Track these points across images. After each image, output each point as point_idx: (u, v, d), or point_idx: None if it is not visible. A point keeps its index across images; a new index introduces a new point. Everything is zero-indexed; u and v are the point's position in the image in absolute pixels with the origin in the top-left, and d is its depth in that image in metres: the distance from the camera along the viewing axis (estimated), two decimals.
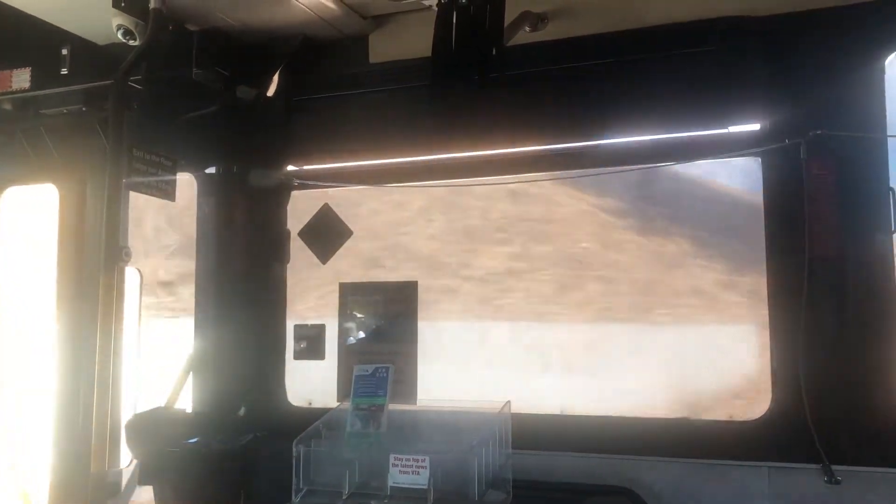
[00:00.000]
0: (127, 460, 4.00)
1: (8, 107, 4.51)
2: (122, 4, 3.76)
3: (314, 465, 3.36)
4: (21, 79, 4.32)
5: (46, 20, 4.05)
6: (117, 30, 3.86)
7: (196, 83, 4.12)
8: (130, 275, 4.27)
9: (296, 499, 3.32)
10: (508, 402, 3.45)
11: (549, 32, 3.87)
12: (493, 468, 3.28)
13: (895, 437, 3.32)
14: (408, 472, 3.16)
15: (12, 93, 4.36)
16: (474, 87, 3.14)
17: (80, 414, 4.42)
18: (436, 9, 3.24)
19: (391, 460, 3.19)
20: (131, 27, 3.84)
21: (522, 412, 3.62)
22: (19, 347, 5.11)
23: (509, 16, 3.69)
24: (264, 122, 4.47)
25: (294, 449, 3.33)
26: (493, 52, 3.11)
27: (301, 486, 3.34)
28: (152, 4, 3.70)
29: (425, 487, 3.11)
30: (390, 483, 3.17)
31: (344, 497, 3.25)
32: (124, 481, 3.93)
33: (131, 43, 3.90)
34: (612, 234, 4.98)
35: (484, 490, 3.16)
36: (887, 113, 3.43)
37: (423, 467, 3.14)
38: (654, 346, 4.54)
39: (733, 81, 3.66)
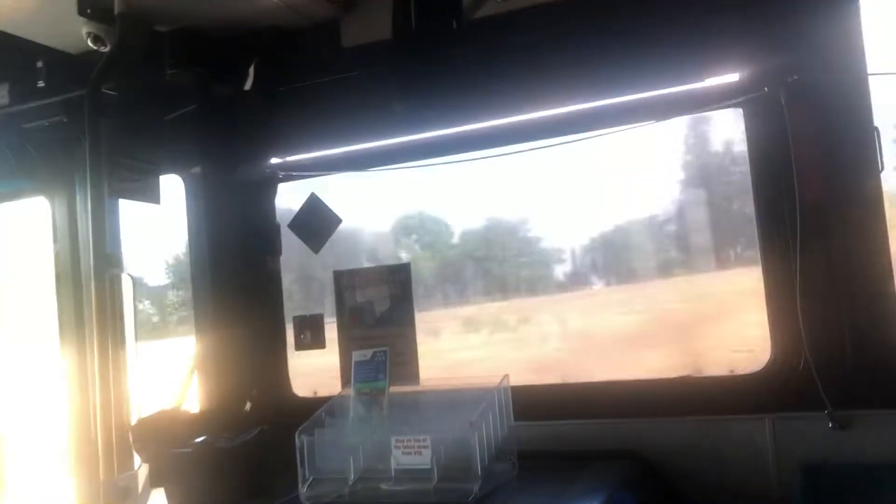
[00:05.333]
0: (138, 464, 4.04)
1: None
2: (88, 11, 3.73)
3: (319, 454, 3.40)
4: None
5: (18, 34, 4.03)
6: (87, 37, 3.85)
7: (172, 84, 4.11)
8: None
9: (303, 488, 3.35)
10: (507, 375, 3.46)
11: (516, 1, 3.82)
12: (496, 441, 3.30)
13: None
14: (410, 453, 3.19)
15: None
16: (438, 64, 3.10)
17: (92, 421, 4.49)
18: None
19: (393, 442, 3.22)
20: (100, 34, 3.82)
21: (522, 384, 3.63)
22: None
23: None
24: (244, 117, 4.45)
25: (297, 439, 3.37)
26: (454, 26, 3.07)
27: (307, 476, 3.37)
28: (117, 9, 3.67)
29: (429, 467, 3.13)
30: (394, 465, 3.20)
31: (350, 483, 3.28)
32: (140, 485, 3.96)
33: (103, 49, 3.89)
34: None
35: (487, 464, 3.18)
36: (866, 51, 3.37)
37: (425, 447, 3.17)
38: None
39: (709, 32, 3.60)
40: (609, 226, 4.64)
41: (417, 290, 4.23)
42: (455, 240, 5.18)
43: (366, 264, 4.63)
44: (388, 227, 5.17)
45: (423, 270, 5.16)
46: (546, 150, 3.93)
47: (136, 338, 4.26)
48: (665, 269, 4.60)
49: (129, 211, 4.06)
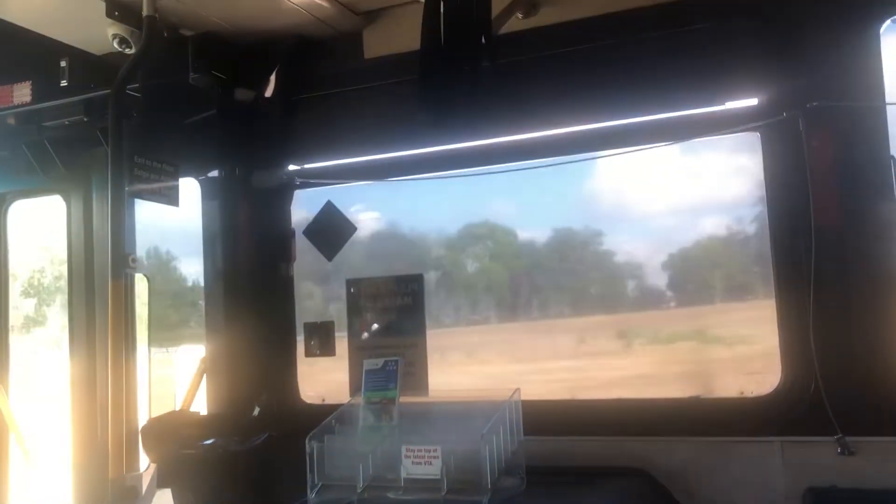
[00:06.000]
0: (146, 464, 4.05)
1: (11, 121, 4.57)
2: (116, 14, 3.79)
3: (328, 461, 3.39)
4: (22, 93, 4.38)
5: (43, 33, 4.07)
6: (113, 39, 3.90)
7: (194, 88, 4.16)
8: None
9: (311, 494, 3.35)
10: (518, 389, 3.47)
11: (541, 18, 3.86)
12: (506, 455, 3.30)
13: None
14: (420, 463, 3.19)
15: (14, 107, 4.41)
16: (465, 77, 3.14)
17: (99, 420, 4.50)
18: (422, 1, 3.24)
19: (403, 452, 3.22)
20: (127, 36, 3.87)
21: (533, 398, 3.64)
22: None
23: (501, 3, 3.71)
24: (264, 123, 4.49)
25: (307, 445, 3.37)
26: (483, 40, 3.11)
27: (316, 482, 3.37)
28: (145, 12, 3.72)
29: (438, 477, 3.13)
30: (404, 474, 3.20)
31: (359, 491, 3.28)
32: (144, 485, 3.97)
33: (128, 51, 3.93)
34: None
35: (497, 477, 3.18)
36: (885, 80, 3.40)
37: (435, 457, 3.17)
38: None
39: (728, 56, 3.64)
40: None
41: (488, 300, 4.17)
42: (526, 249, 4.90)
43: (431, 273, 4.61)
44: (455, 235, 4.97)
45: (494, 279, 5.00)
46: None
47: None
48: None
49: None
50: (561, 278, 4.77)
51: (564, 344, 4.68)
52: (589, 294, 4.84)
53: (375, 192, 4.66)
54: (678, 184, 4.21)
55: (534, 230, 4.72)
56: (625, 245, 4.49)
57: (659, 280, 4.40)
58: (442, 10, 3.13)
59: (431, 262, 4.86)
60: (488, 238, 4.95)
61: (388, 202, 4.81)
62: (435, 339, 4.26)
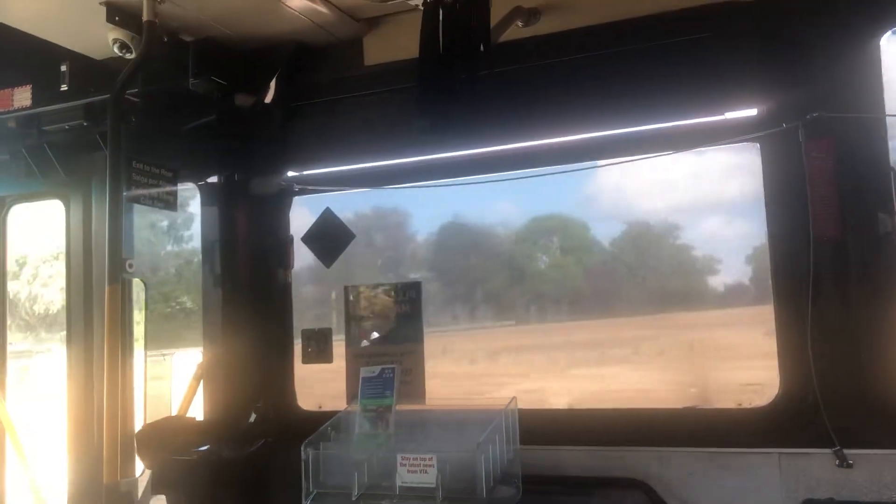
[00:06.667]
0: (141, 470, 4.03)
1: (11, 125, 4.57)
2: (117, 18, 3.79)
3: (323, 468, 3.39)
4: (22, 97, 4.39)
5: (44, 38, 4.07)
6: (113, 44, 3.91)
7: (193, 93, 4.15)
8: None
9: (306, 502, 3.34)
10: (514, 398, 3.46)
11: (542, 27, 3.87)
12: (502, 464, 3.30)
13: None
14: (416, 472, 3.18)
15: (15, 111, 4.42)
16: (463, 85, 3.14)
17: (94, 425, 4.49)
18: (422, 8, 3.24)
19: (399, 460, 3.21)
20: (127, 41, 3.88)
21: (529, 408, 3.62)
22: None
23: (501, 12, 3.71)
24: (263, 130, 4.49)
25: (303, 452, 3.36)
26: (481, 48, 3.11)
27: (311, 489, 3.37)
28: (145, 17, 3.72)
29: (433, 486, 3.13)
30: (399, 483, 3.20)
31: (354, 498, 3.27)
32: (140, 491, 3.95)
33: (128, 56, 3.94)
34: None
35: (492, 486, 3.17)
36: (885, 92, 3.39)
37: (430, 466, 3.16)
38: None
39: (728, 67, 3.64)
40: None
41: (560, 298, 4.08)
42: (602, 245, 4.67)
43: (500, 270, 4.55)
44: (523, 228, 4.78)
45: (567, 275, 4.81)
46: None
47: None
48: None
49: None
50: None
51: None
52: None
53: (373, 198, 4.65)
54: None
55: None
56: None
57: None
58: (441, 17, 3.13)
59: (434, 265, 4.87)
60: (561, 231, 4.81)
61: (383, 208, 4.81)
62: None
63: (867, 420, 3.34)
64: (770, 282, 3.59)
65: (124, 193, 3.85)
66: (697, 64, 3.68)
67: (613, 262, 4.60)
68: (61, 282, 5.07)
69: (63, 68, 4.28)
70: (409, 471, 3.19)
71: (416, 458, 3.19)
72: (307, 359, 4.41)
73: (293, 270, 4.53)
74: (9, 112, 4.44)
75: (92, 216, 4.70)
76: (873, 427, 3.33)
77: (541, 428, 3.66)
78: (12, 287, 5.30)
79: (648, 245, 4.41)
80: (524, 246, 4.81)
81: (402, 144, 4.15)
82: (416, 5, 3.39)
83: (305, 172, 4.51)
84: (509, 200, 4.55)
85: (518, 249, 4.81)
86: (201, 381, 4.49)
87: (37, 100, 4.36)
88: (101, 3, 3.74)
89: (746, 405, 3.62)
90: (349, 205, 4.51)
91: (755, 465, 3.48)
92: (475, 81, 3.14)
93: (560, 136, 3.93)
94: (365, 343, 4.32)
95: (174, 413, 4.38)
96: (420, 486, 3.16)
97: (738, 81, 3.63)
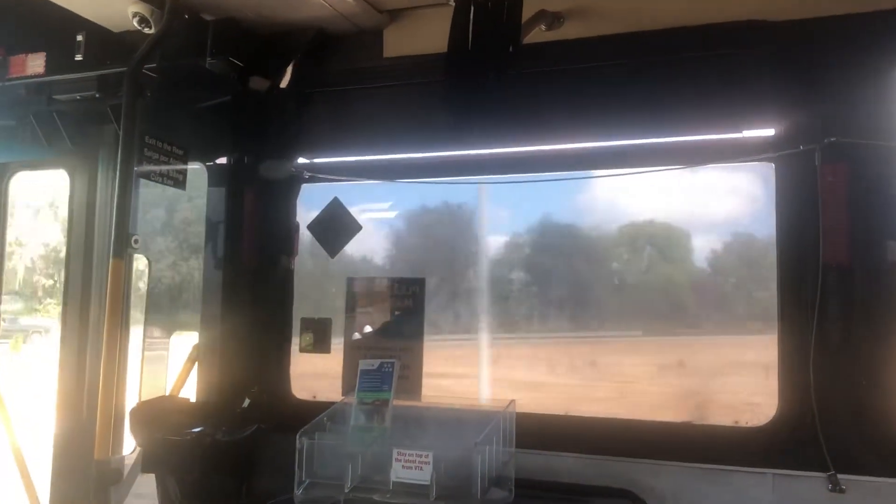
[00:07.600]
0: (130, 448, 4.00)
1: (22, 91, 4.53)
2: None
3: (317, 458, 3.38)
4: (35, 64, 4.34)
5: (62, 5, 4.03)
6: (133, 17, 3.88)
7: (209, 73, 4.12)
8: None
9: (298, 491, 3.33)
10: (513, 400, 3.45)
11: (564, 31, 3.86)
12: (496, 466, 3.29)
13: None
14: (410, 468, 3.17)
15: (27, 77, 4.37)
16: (490, 84, 3.13)
17: (85, 401, 4.45)
18: (452, 4, 3.23)
19: (394, 455, 3.20)
20: (147, 15, 3.86)
21: (526, 411, 3.62)
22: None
23: (526, 13, 3.70)
24: (276, 114, 4.46)
25: (297, 441, 3.34)
26: (510, 49, 3.10)
27: (304, 479, 3.35)
28: None
29: (427, 483, 3.12)
30: (393, 478, 3.18)
31: (346, 490, 3.26)
32: (127, 469, 3.92)
33: (146, 31, 3.91)
34: None
35: (486, 487, 3.16)
36: None
37: (426, 463, 3.15)
38: None
39: (748, 86, 3.65)
40: None
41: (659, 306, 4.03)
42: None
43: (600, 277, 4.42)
44: (616, 232, 4.50)
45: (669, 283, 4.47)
46: None
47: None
48: None
49: None
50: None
51: None
52: None
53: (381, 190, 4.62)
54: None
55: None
56: None
57: None
58: (472, 14, 3.12)
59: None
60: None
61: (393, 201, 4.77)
62: None
63: (863, 447, 3.35)
64: (776, 302, 3.59)
65: (135, 168, 3.81)
66: (718, 80, 3.69)
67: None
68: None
69: (79, 38, 4.24)
70: (403, 466, 3.18)
71: (412, 455, 3.18)
72: (305, 348, 4.38)
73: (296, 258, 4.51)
74: (20, 78, 4.39)
75: (97, 188, 4.66)
76: (869, 454, 3.34)
77: (537, 432, 3.66)
78: None
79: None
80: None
81: (417, 139, 4.14)
82: (447, 1, 3.37)
83: (316, 160, 4.49)
84: (511, 204, 4.52)
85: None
86: (195, 364, 4.45)
87: (50, 68, 4.31)
88: None
89: (744, 424, 3.63)
90: (357, 197, 4.48)
91: (748, 484, 3.48)
92: (502, 81, 3.13)
93: (576, 143, 3.92)
94: (357, 336, 4.30)
95: (167, 393, 4.34)
96: (414, 482, 3.15)
97: (757, 100, 3.64)
